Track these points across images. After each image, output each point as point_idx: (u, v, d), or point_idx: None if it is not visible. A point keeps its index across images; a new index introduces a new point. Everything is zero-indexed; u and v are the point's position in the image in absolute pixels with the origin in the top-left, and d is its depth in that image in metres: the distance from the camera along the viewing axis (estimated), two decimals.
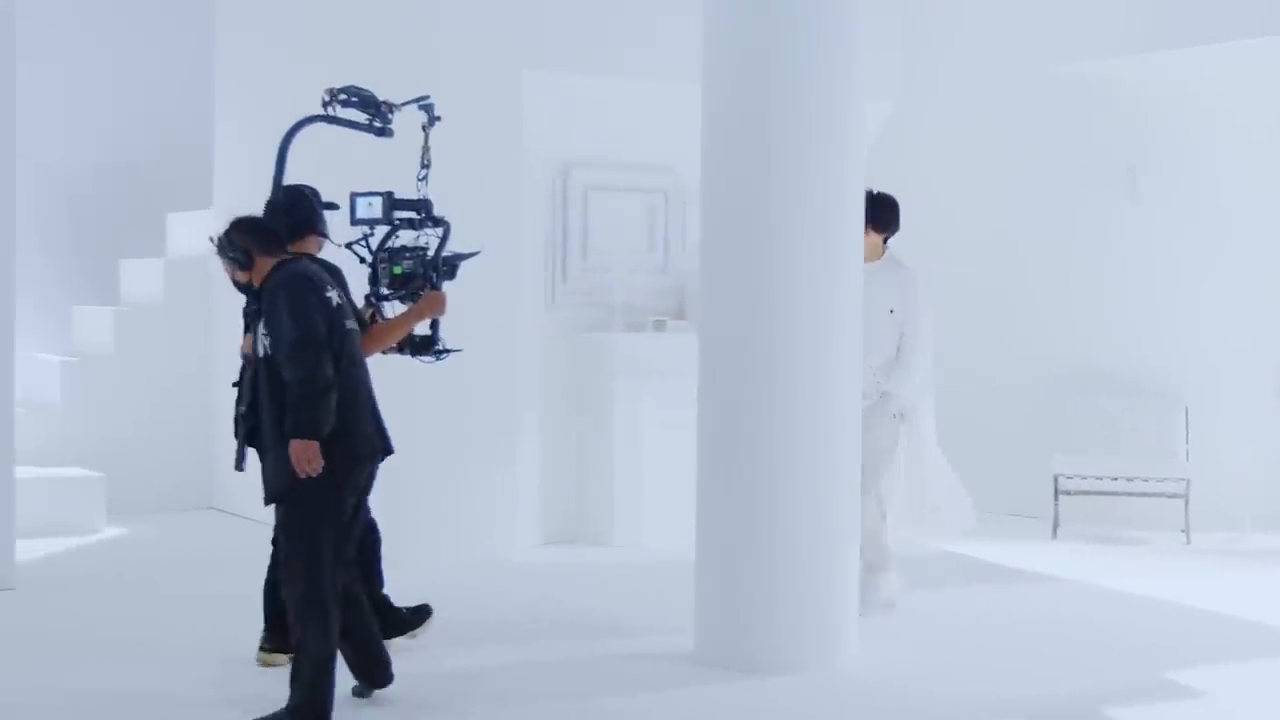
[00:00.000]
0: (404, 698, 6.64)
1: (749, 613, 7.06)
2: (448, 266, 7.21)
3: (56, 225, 12.41)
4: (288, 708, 6.07)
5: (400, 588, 7.59)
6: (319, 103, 7.23)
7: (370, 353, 6.77)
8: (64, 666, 7.08)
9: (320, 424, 6.00)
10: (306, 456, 5.98)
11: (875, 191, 8.18)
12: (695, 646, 7.26)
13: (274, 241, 6.35)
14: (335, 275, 6.63)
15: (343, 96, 7.23)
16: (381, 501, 9.97)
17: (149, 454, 11.59)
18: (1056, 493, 11.11)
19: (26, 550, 9.11)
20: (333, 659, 6.14)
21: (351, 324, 6.33)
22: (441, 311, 7.13)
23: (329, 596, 6.12)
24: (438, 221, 7.25)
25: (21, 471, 9.18)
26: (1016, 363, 12.11)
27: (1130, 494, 11.05)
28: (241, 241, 6.31)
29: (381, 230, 7.23)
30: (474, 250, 7.35)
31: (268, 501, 6.18)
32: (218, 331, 11.26)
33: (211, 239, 6.41)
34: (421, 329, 7.21)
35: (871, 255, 8.07)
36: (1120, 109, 11.64)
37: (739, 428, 7.07)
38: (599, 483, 10.51)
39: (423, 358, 7.31)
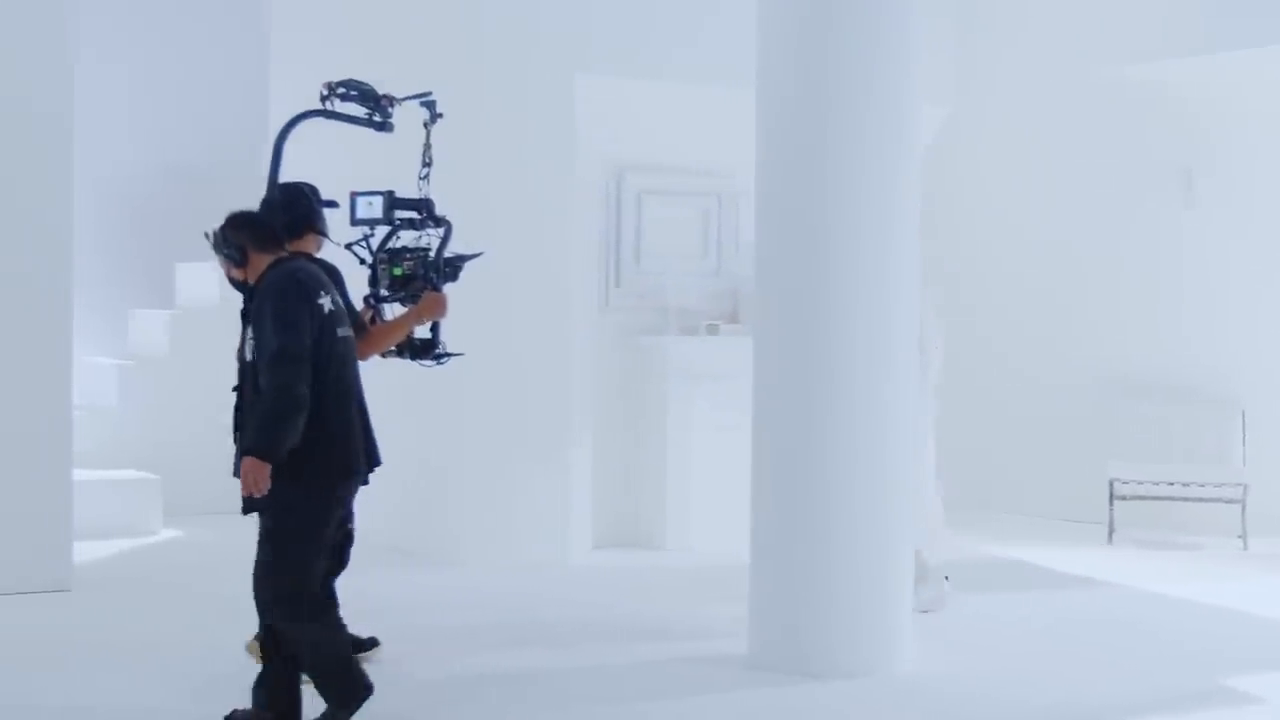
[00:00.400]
0: (455, 699, 6.66)
1: (803, 616, 7.04)
2: (450, 268, 7.02)
3: (113, 229, 12.50)
4: (328, 712, 5.97)
5: (453, 589, 7.61)
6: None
7: (368, 355, 6.66)
8: (117, 668, 7.11)
9: (279, 445, 5.72)
10: (255, 476, 5.70)
11: None
12: (748, 650, 7.25)
13: (270, 238, 6.10)
14: (334, 275, 6.49)
15: (341, 90, 7.05)
16: (436, 503, 10.07)
17: (205, 456, 11.61)
18: (1112, 498, 11.05)
19: (84, 552, 9.17)
20: (345, 645, 6.10)
21: (345, 331, 6.09)
22: (442, 314, 6.95)
23: (319, 597, 6.03)
24: (439, 221, 7.08)
25: (79, 474, 9.25)
26: (1071, 366, 12.06)
27: (1186, 499, 10.98)
28: (236, 238, 6.06)
29: (382, 230, 7.06)
30: (477, 251, 7.15)
31: (246, 511, 5.93)
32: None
33: (207, 235, 6.14)
34: (422, 332, 7.06)
35: None
36: (1175, 112, 11.58)
37: (794, 431, 7.06)
38: (651, 486, 10.52)
39: (422, 361, 7.16)
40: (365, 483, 6.31)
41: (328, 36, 11.45)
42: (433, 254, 6.96)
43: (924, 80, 7.34)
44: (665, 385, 10.45)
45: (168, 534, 10.63)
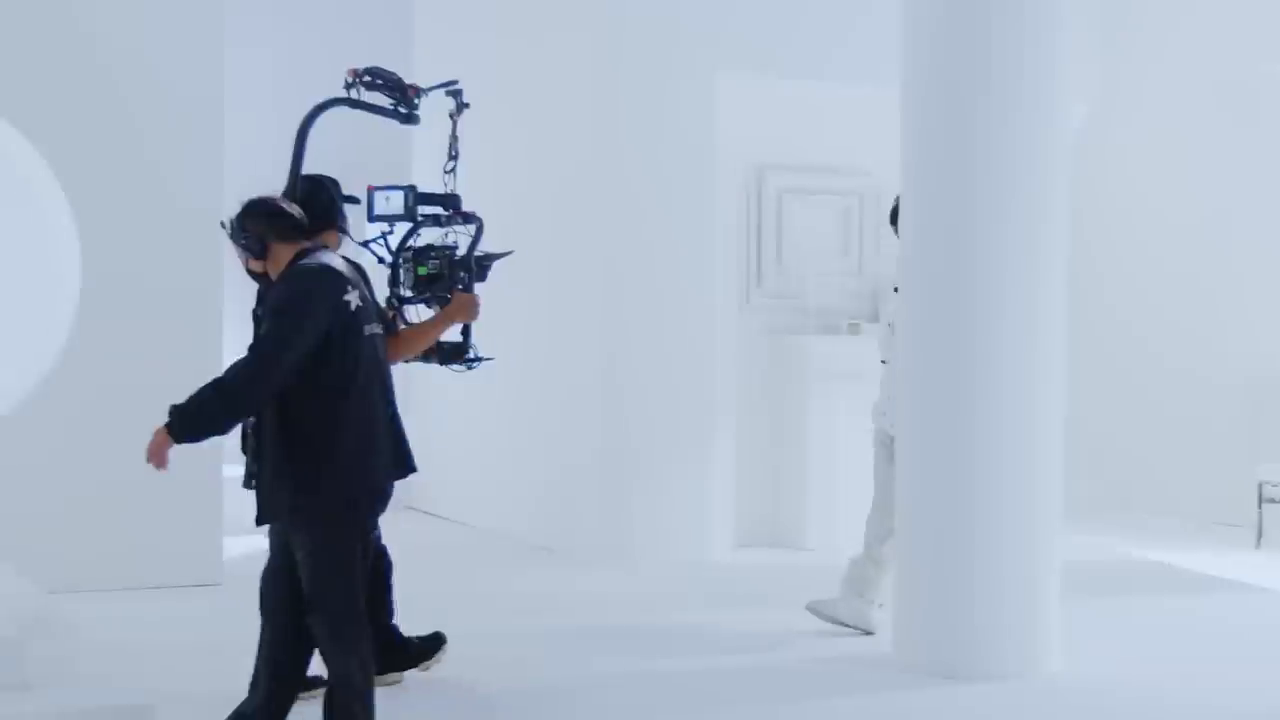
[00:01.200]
0: (600, 700, 6.70)
1: (949, 617, 7.00)
2: (478, 267, 6.57)
3: None
4: None
5: (596, 588, 7.64)
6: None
7: (396, 359, 6.24)
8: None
9: (196, 432, 5.30)
10: (157, 450, 5.30)
11: None
12: (894, 650, 7.22)
13: (291, 227, 5.61)
14: (359, 274, 6.09)
15: (367, 78, 6.56)
16: (579, 502, 10.13)
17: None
18: (1261, 500, 10.85)
19: (234, 547, 9.33)
20: (371, 687, 5.60)
21: (373, 328, 5.61)
22: (474, 315, 6.50)
23: (362, 622, 5.55)
24: (468, 218, 6.64)
25: (229, 469, 9.40)
26: (1220, 364, 11.87)
27: None
28: (254, 227, 5.58)
29: (402, 228, 6.64)
30: (507, 250, 6.79)
31: (259, 522, 5.57)
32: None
33: (223, 224, 5.74)
34: (451, 335, 6.61)
35: None
36: None
37: (939, 430, 7.02)
38: (792, 486, 10.51)
39: (453, 367, 6.74)
40: (392, 490, 5.80)
41: (468, 34, 11.57)
42: (461, 252, 6.55)
43: (1069, 76, 7.26)
44: (806, 384, 10.43)
45: None
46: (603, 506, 9.89)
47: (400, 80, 6.63)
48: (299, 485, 5.38)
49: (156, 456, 5.30)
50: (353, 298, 5.51)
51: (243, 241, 5.59)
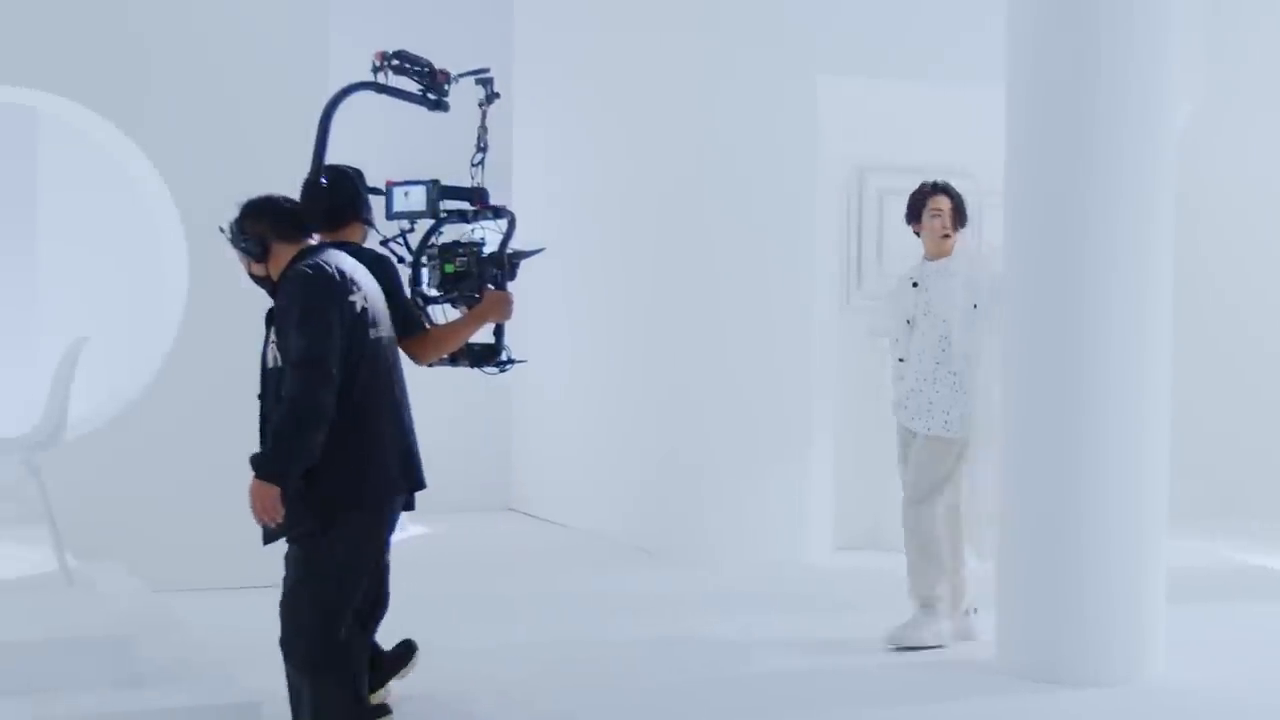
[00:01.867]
0: (700, 703, 6.70)
1: (1053, 622, 6.94)
2: (495, 269, 6.21)
3: None
4: None
5: (694, 589, 7.64)
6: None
7: (427, 360, 6.05)
8: None
9: (291, 465, 5.00)
10: (263, 502, 5.01)
11: (939, 183, 7.96)
12: (996, 655, 7.18)
13: (291, 224, 5.33)
14: (383, 267, 5.87)
15: (394, 62, 6.24)
16: (677, 502, 10.15)
17: (451, 456, 11.90)
18: None
19: None
20: (356, 714, 5.32)
21: (380, 331, 5.32)
22: (508, 315, 6.16)
23: (342, 647, 5.26)
24: (498, 212, 6.28)
25: None
26: None
27: None
28: (254, 229, 5.30)
29: (423, 225, 6.31)
30: (539, 247, 6.45)
31: (267, 541, 5.23)
32: (516, 339, 11.48)
33: (222, 229, 5.41)
34: (482, 335, 6.27)
35: (942, 250, 7.90)
36: None
37: (1045, 435, 6.97)
38: (891, 488, 10.45)
39: (486, 369, 6.38)
40: (408, 507, 5.58)
41: (570, 35, 11.63)
42: (489, 249, 6.20)
43: (1177, 74, 7.19)
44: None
45: (416, 530, 10.87)
46: (701, 508, 9.89)
47: (430, 65, 6.31)
48: (304, 497, 5.10)
49: (269, 511, 5.01)
50: (357, 299, 5.24)
51: (243, 245, 5.31)
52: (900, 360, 7.91)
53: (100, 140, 9.23)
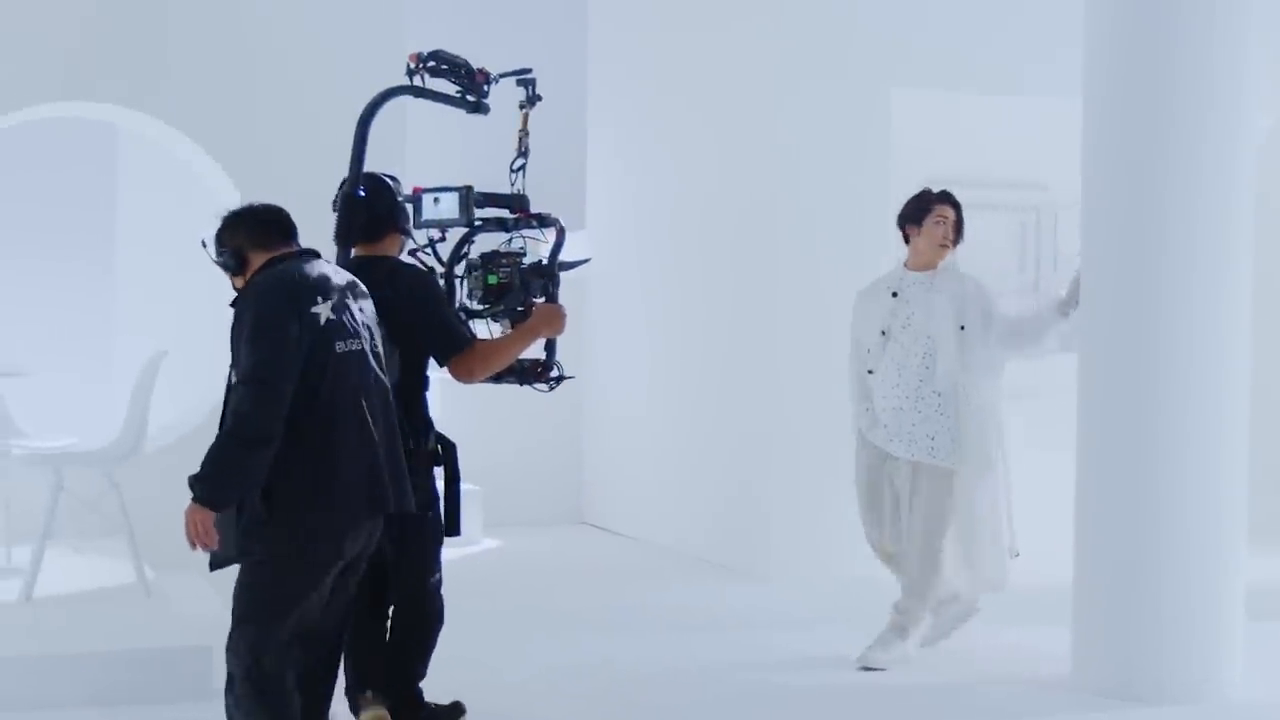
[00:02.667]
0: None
1: (1130, 638, 6.88)
2: (541, 279, 5.94)
3: None
4: None
5: (759, 604, 7.60)
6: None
7: (476, 377, 5.71)
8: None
9: (226, 489, 4.73)
10: (196, 527, 4.76)
11: (945, 191, 7.69)
12: (1072, 672, 7.13)
13: (270, 234, 5.04)
14: (421, 283, 5.65)
15: (431, 64, 5.98)
16: (743, 516, 10.12)
17: (524, 470, 11.93)
18: None
19: None
20: None
21: (350, 345, 4.95)
22: (561, 329, 5.89)
23: (278, 680, 4.94)
24: (544, 221, 5.99)
25: None
26: None
27: None
28: (231, 240, 5.04)
29: (454, 234, 6.05)
30: (584, 258, 6.24)
31: (212, 567, 4.97)
32: (589, 351, 11.51)
33: (203, 243, 5.15)
34: (531, 350, 5.96)
35: (933, 261, 7.59)
36: None
37: (1122, 449, 6.92)
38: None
39: (537, 386, 6.07)
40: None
41: (642, 50, 11.65)
42: (532, 260, 5.95)
43: (1257, 87, 7.13)
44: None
45: (489, 543, 10.91)
46: (775, 523, 9.87)
47: (468, 65, 6.02)
48: (243, 528, 4.82)
49: (202, 536, 4.78)
50: (323, 310, 4.91)
51: (220, 260, 5.08)
52: (870, 372, 7.57)
53: (178, 154, 9.33)
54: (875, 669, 7.37)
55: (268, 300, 4.87)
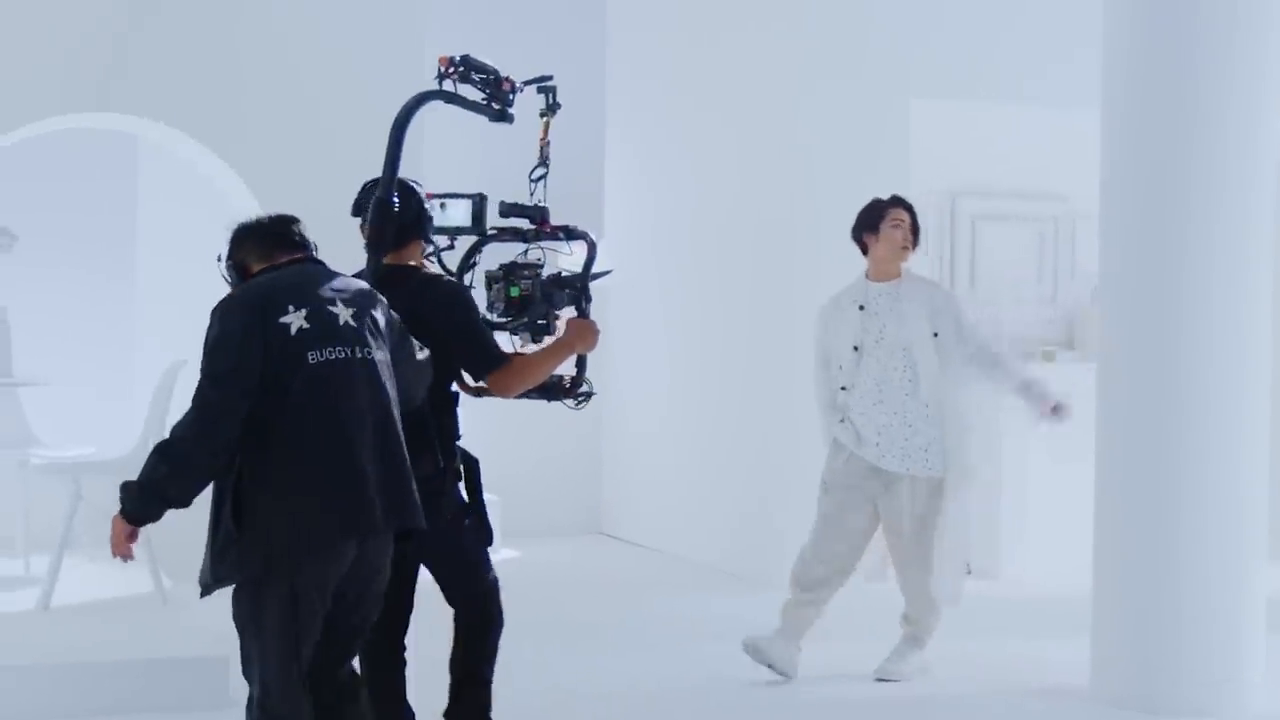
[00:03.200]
0: None
1: (1151, 649, 6.86)
2: (562, 291, 5.74)
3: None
4: None
5: (773, 615, 7.57)
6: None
7: (512, 392, 5.55)
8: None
9: (146, 505, 4.58)
10: (117, 535, 4.63)
11: (898, 196, 7.62)
12: (1092, 684, 7.10)
13: (273, 245, 4.87)
14: (456, 298, 5.46)
15: (461, 69, 5.70)
16: (771, 527, 10.09)
17: (542, 480, 11.92)
18: None
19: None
20: None
21: (328, 353, 4.65)
22: (594, 344, 5.71)
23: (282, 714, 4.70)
24: (570, 233, 5.79)
25: None
26: None
27: None
28: (237, 255, 4.89)
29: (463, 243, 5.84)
30: (606, 270, 5.92)
31: (201, 594, 4.73)
32: (608, 361, 11.51)
33: (218, 258, 5.00)
34: (563, 367, 5.78)
35: (894, 268, 7.50)
36: None
37: (1142, 459, 6.89)
38: (985, 515, 10.38)
39: (566, 403, 5.87)
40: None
41: (660, 59, 11.65)
42: (552, 272, 5.76)
43: (1276, 94, 7.10)
44: (999, 412, 10.30)
45: (506, 553, 10.89)
46: (794, 534, 9.82)
47: (496, 72, 5.73)
48: (216, 550, 4.61)
49: (119, 548, 4.65)
50: (294, 319, 4.66)
51: (225, 275, 4.93)
52: (843, 389, 7.43)
53: (198, 165, 9.34)
54: (892, 680, 7.35)
55: (229, 313, 4.67)
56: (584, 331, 5.66)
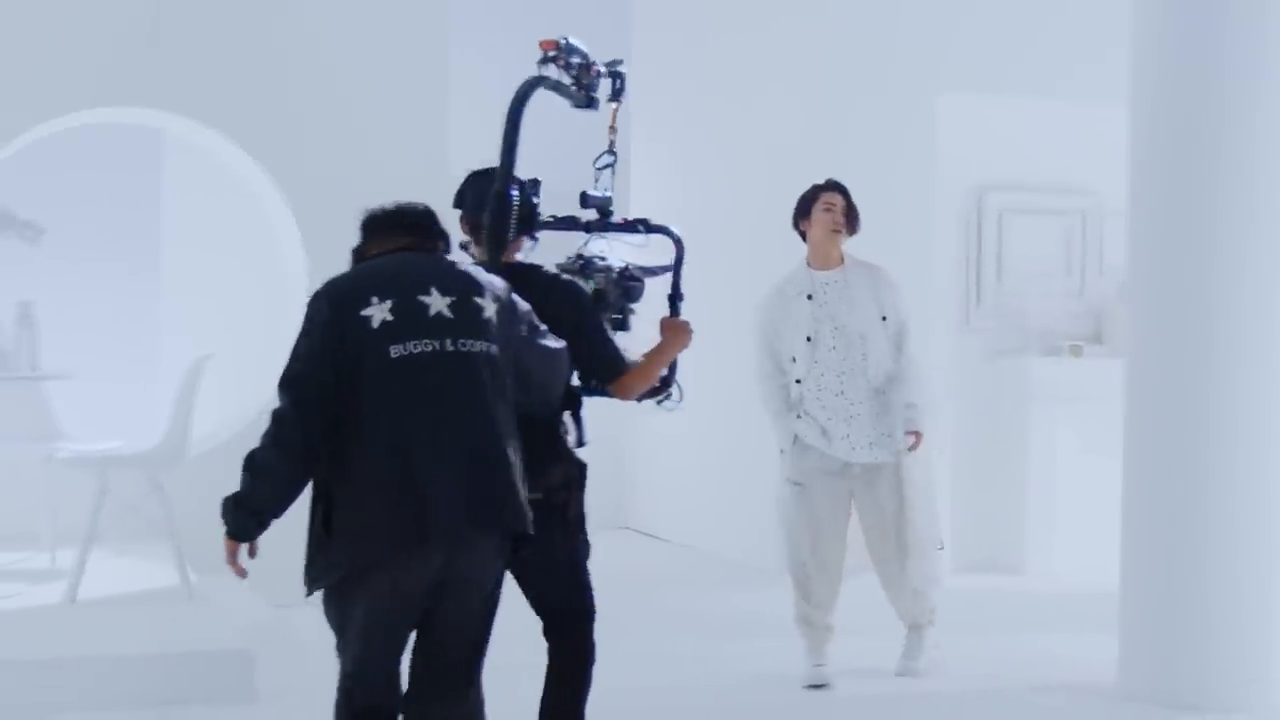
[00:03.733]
0: None
1: (1178, 645, 6.83)
2: (638, 284, 5.49)
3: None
4: None
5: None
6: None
7: (633, 398, 5.40)
8: None
9: (237, 519, 4.43)
10: (227, 554, 4.47)
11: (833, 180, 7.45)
12: (1118, 680, 7.07)
13: (384, 233, 4.66)
14: (571, 297, 5.17)
15: (565, 55, 5.39)
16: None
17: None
18: None
19: None
20: None
21: (410, 347, 4.37)
22: (688, 344, 5.52)
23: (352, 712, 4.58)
24: (651, 228, 5.54)
25: None
26: None
27: None
28: (361, 244, 4.74)
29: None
30: (667, 264, 5.68)
31: (308, 593, 4.58)
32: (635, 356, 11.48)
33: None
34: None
35: (832, 254, 7.36)
36: None
37: (1171, 457, 6.86)
38: (1011, 510, 10.36)
39: (664, 405, 5.66)
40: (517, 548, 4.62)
41: (685, 55, 11.64)
42: (620, 267, 5.48)
43: None
44: (1026, 407, 10.29)
45: None
46: None
47: (587, 58, 5.43)
48: (309, 554, 4.49)
49: (230, 565, 4.51)
50: (376, 311, 4.41)
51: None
52: (798, 382, 7.25)
53: (223, 159, 9.36)
54: (912, 675, 7.32)
55: (310, 306, 4.48)
56: (680, 331, 5.48)
